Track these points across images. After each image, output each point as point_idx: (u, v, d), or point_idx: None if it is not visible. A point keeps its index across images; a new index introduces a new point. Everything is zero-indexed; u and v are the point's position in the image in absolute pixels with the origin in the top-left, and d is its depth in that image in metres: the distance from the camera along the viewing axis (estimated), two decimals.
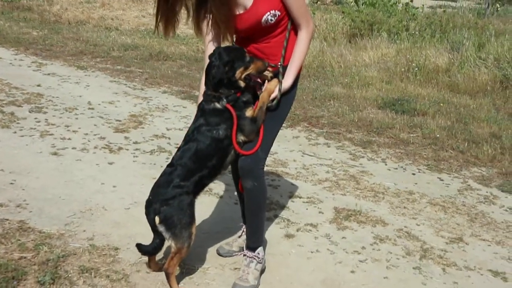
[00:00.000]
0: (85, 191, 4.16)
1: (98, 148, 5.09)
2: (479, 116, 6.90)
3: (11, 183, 4.16)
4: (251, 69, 2.93)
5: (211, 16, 2.96)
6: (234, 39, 3.17)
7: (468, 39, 9.67)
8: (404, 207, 4.37)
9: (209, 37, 3.05)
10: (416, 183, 4.88)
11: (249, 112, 2.95)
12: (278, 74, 3.02)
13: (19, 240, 3.31)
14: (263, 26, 2.92)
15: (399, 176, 5.04)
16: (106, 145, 5.18)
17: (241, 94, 2.97)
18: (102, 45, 10.27)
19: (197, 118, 3.00)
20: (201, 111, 2.99)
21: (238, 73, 2.90)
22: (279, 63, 3.02)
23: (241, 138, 2.96)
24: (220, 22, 2.92)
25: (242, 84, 2.95)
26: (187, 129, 3.06)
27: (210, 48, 3.04)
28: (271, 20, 2.89)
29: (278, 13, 2.89)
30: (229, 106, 2.92)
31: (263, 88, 3.00)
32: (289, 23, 3.00)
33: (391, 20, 11.35)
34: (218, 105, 2.93)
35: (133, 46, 10.32)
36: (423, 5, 13.75)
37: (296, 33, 3.05)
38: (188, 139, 2.97)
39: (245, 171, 3.01)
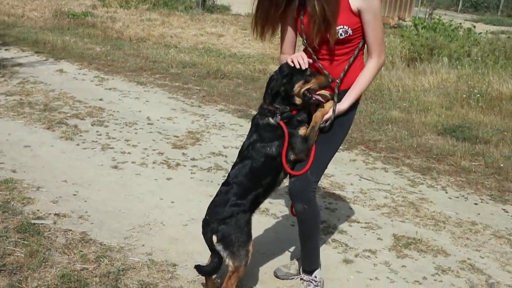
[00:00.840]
0: (144, 206, 4.22)
1: (157, 163, 5.17)
2: None
3: (74, 195, 4.27)
4: (312, 84, 2.87)
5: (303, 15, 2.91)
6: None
7: None
8: (467, 238, 4.20)
9: (288, 41, 3.09)
10: (478, 214, 4.69)
11: (302, 131, 2.91)
12: (334, 95, 2.97)
13: (81, 251, 3.38)
14: (327, 38, 2.85)
15: (461, 205, 4.86)
16: (164, 160, 5.25)
17: (296, 112, 2.93)
18: (161, 62, 10.50)
19: (251, 133, 2.99)
20: (255, 126, 2.98)
21: (296, 87, 2.87)
22: (338, 80, 2.95)
23: (291, 156, 2.93)
24: (319, 22, 2.80)
25: (298, 101, 2.91)
26: (240, 149, 3.05)
27: (287, 49, 3.09)
28: (341, 35, 2.84)
29: (350, 31, 2.83)
30: (282, 123, 2.88)
31: (318, 109, 2.95)
32: (356, 50, 2.94)
33: (452, 45, 11.10)
34: (271, 121, 2.91)
35: (191, 63, 10.50)
36: (486, 31, 13.42)
37: (360, 63, 3.00)
38: (243, 156, 2.97)
39: (295, 194, 2.97)
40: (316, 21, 2.78)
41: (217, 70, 9.97)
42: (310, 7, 2.82)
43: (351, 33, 2.84)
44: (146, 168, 5.02)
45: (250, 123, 3.05)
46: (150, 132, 6.10)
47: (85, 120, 6.30)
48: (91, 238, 3.58)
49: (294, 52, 3.13)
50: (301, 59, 2.87)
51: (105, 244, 3.51)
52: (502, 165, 5.89)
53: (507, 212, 4.78)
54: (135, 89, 8.18)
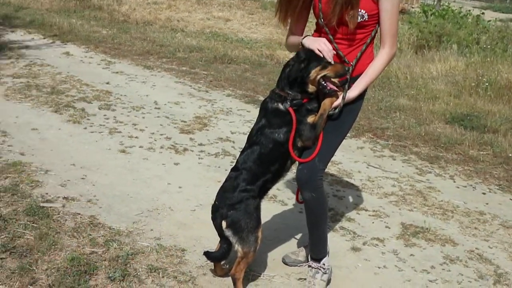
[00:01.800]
0: (152, 190, 4.22)
1: (164, 148, 5.16)
2: None
3: (82, 178, 4.28)
4: (329, 71, 2.84)
5: None
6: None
7: None
8: (475, 228, 4.19)
9: (298, 26, 3.08)
10: (487, 203, 4.68)
11: (310, 119, 2.89)
12: (345, 83, 2.94)
13: (90, 235, 3.38)
14: (345, 19, 2.82)
15: (469, 194, 4.85)
16: (172, 145, 5.25)
17: (307, 101, 2.91)
18: (168, 46, 10.45)
19: (260, 117, 2.98)
20: (264, 110, 2.97)
21: (313, 73, 2.83)
22: (352, 63, 2.93)
23: (299, 143, 2.91)
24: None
25: (311, 88, 2.88)
26: (248, 133, 3.04)
27: (295, 29, 3.08)
28: (357, 18, 2.81)
29: (366, 16, 2.80)
30: (291, 110, 2.86)
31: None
32: (369, 38, 2.91)
33: (460, 33, 11.00)
34: (281, 106, 2.89)
35: (198, 48, 10.45)
36: (495, 19, 13.29)
37: (370, 51, 2.98)
38: (252, 141, 2.96)
39: (302, 182, 2.95)
40: (338, 1, 2.75)
41: (224, 55, 9.92)
42: None
43: (366, 18, 2.81)
44: (153, 153, 5.02)
45: (259, 107, 3.04)
46: (158, 117, 6.09)
47: (92, 103, 6.29)
48: (99, 222, 3.58)
49: (303, 34, 3.11)
50: (327, 49, 2.84)
51: (113, 228, 3.52)
52: (510, 154, 5.85)
53: None
54: (142, 73, 8.15)
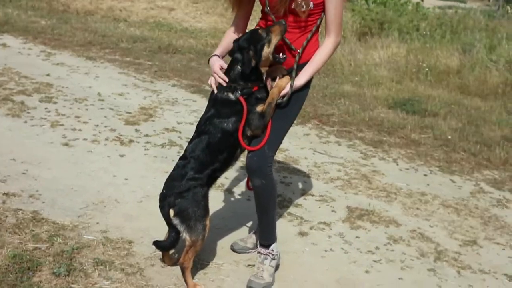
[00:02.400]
0: (97, 183, 4.14)
1: (109, 140, 5.06)
2: (491, 119, 6.86)
3: (23, 173, 4.14)
4: (274, 37, 2.87)
5: None
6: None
7: (479, 41, 9.62)
8: (417, 208, 4.34)
9: (242, 12, 3.13)
10: (428, 184, 4.84)
11: (259, 107, 2.93)
12: (291, 71, 2.97)
13: (33, 230, 3.29)
14: (292, 8, 2.87)
15: (411, 176, 5.01)
16: (117, 137, 5.15)
17: (257, 89, 2.94)
18: (111, 36, 10.21)
19: (209, 108, 2.99)
20: (213, 100, 2.98)
21: (265, 53, 2.87)
22: (299, 50, 2.97)
23: (248, 132, 2.94)
24: None
25: (264, 69, 2.92)
26: (197, 123, 3.03)
27: (238, 23, 3.14)
28: (302, 7, 2.84)
29: (311, 5, 2.84)
30: (241, 99, 2.89)
31: (274, 84, 2.96)
32: (314, 27, 2.95)
33: (401, 20, 11.28)
34: (231, 96, 2.91)
35: (142, 38, 10.27)
36: (434, 6, 13.69)
37: (315, 39, 3.02)
38: (200, 130, 2.96)
39: (252, 169, 2.98)
40: None
41: (169, 45, 9.80)
42: None
43: (312, 7, 2.85)
44: (98, 145, 4.92)
45: (208, 97, 3.03)
46: (102, 109, 5.96)
47: (32, 96, 6.09)
48: (43, 217, 3.49)
49: (247, 25, 3.17)
50: (215, 80, 2.97)
51: (57, 223, 3.44)
52: (449, 137, 6.08)
53: (454, 182, 4.96)
54: (84, 64, 7.94)
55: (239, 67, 2.89)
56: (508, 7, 14.58)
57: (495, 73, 8.36)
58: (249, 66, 2.85)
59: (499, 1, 15.18)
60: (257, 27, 3.03)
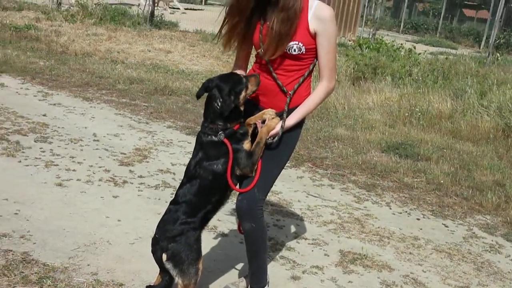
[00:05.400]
0: (89, 224, 4.12)
1: (103, 180, 5.07)
2: (482, 164, 6.92)
3: (15, 213, 4.13)
4: (250, 86, 2.96)
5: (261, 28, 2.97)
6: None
7: (470, 86, 9.79)
8: (410, 253, 4.33)
9: (242, 54, 3.18)
10: (421, 229, 4.85)
11: (246, 145, 2.95)
12: (282, 113, 3.02)
13: (23, 272, 3.26)
14: (287, 53, 2.93)
15: (404, 220, 5.01)
16: (111, 177, 5.16)
17: (238, 127, 2.98)
18: (108, 78, 10.33)
19: (196, 151, 3.01)
20: (200, 144, 3.00)
21: (242, 97, 2.95)
22: (291, 92, 3.01)
23: (237, 171, 2.95)
24: (274, 36, 2.87)
25: (242, 107, 2.98)
26: (186, 168, 3.05)
27: (238, 64, 3.21)
28: (294, 51, 2.91)
29: (303, 49, 2.91)
30: (226, 141, 2.91)
31: (264, 125, 2.99)
32: (307, 72, 3.02)
33: (394, 65, 11.50)
34: (215, 139, 2.93)
35: (138, 79, 10.39)
36: (425, 51, 13.96)
37: (307, 85, 3.08)
38: (190, 175, 2.97)
39: (242, 212, 2.99)
40: (272, 35, 2.85)
41: (165, 87, 9.91)
42: (269, 21, 2.88)
43: (304, 52, 2.92)
44: (91, 186, 4.92)
45: (195, 141, 3.07)
46: (96, 149, 5.99)
47: (28, 136, 6.11)
48: (33, 259, 3.46)
49: (247, 66, 3.23)
50: None
51: (48, 265, 3.41)
52: (442, 181, 6.12)
53: (447, 226, 4.96)
54: (81, 105, 8.01)
55: (218, 106, 2.91)
56: (498, 54, 14.88)
57: (486, 118, 8.47)
58: (228, 108, 2.89)
59: (489, 48, 15.50)
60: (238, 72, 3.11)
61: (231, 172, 2.92)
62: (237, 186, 3.01)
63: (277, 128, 2.97)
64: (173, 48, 14.34)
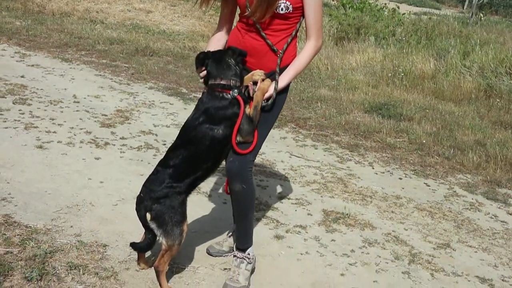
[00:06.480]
0: (71, 186, 4.08)
1: (84, 142, 5.00)
2: (464, 123, 6.98)
3: None
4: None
5: None
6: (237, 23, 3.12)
7: (453, 47, 9.79)
8: (392, 212, 4.39)
9: (225, 13, 3.11)
10: (403, 188, 4.90)
11: (247, 109, 2.87)
12: (273, 74, 2.97)
13: (5, 234, 3.23)
14: (275, 12, 2.87)
15: (386, 180, 5.06)
16: (92, 139, 5.10)
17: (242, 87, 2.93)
18: (87, 38, 10.12)
19: (198, 114, 2.88)
20: (204, 104, 2.89)
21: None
22: (281, 51, 2.95)
23: (238, 138, 2.88)
24: None
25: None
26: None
27: (223, 24, 3.14)
28: (282, 9, 2.85)
29: (290, 8, 2.85)
30: (239, 98, 2.83)
31: (257, 88, 2.94)
32: (294, 31, 2.97)
33: (378, 25, 11.42)
34: (226, 96, 2.84)
35: (118, 40, 10.19)
36: (409, 12, 13.87)
37: (294, 44, 3.03)
38: (186, 138, 2.88)
39: (234, 174, 2.97)
40: None
41: (146, 47, 9.74)
42: None
43: (291, 10, 2.86)
44: (73, 148, 4.85)
45: (196, 104, 2.97)
46: (77, 111, 5.89)
47: (6, 98, 5.98)
48: (15, 221, 3.42)
49: (231, 27, 3.15)
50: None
51: (30, 227, 3.38)
52: (424, 141, 6.17)
53: (428, 186, 5.03)
54: (60, 66, 7.85)
55: (231, 61, 2.87)
56: (481, 14, 14.85)
57: (468, 79, 8.51)
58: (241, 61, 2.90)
59: (472, 8, 15.45)
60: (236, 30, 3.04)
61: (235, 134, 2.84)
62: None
63: (271, 91, 2.93)
64: (153, 8, 14.04)
